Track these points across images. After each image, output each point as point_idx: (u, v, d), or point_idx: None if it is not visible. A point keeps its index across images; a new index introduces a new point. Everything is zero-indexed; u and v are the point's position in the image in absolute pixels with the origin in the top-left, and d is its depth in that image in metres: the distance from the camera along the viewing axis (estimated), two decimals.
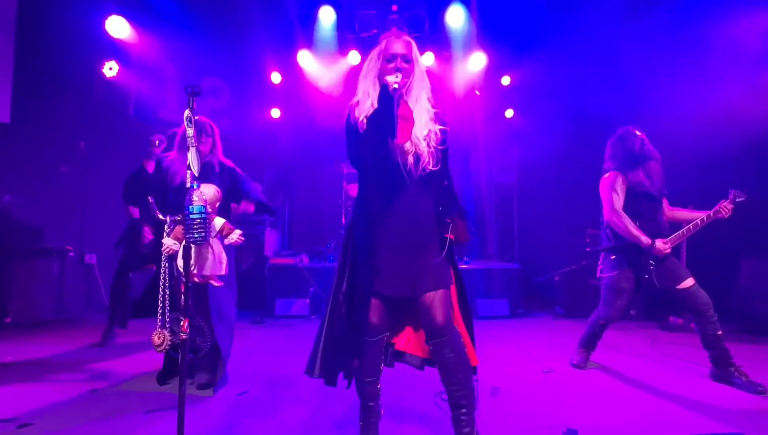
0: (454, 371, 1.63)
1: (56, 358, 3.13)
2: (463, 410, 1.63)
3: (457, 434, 1.64)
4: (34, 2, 4.58)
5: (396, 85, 1.58)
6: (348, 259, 1.72)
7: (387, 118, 1.56)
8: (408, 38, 1.77)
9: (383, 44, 1.76)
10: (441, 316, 1.62)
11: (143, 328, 3.48)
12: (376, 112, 1.61)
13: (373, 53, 1.78)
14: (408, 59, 1.73)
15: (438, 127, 1.72)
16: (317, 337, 1.74)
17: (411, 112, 1.64)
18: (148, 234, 3.23)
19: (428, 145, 1.67)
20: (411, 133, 1.62)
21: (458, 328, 1.71)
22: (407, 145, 1.65)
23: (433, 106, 1.75)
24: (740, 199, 2.59)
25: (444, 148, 1.72)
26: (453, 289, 1.73)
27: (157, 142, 3.36)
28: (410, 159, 1.66)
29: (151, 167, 3.28)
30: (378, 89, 1.66)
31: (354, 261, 1.71)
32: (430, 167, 1.67)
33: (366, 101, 1.70)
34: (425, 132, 1.68)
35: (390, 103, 1.56)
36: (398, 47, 1.72)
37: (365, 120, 1.65)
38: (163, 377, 2.54)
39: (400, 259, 1.66)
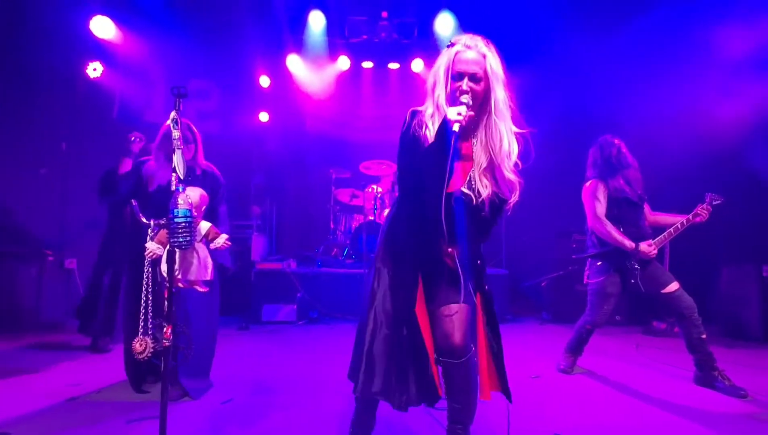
0: (461, 393, 1.52)
1: (33, 365, 3.02)
2: (459, 426, 1.57)
3: None
4: (15, 0, 4.48)
5: (456, 127, 1.33)
6: (385, 280, 1.57)
7: (440, 162, 1.34)
8: (483, 48, 1.47)
9: (452, 55, 1.48)
10: (459, 334, 1.47)
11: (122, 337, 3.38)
12: (432, 146, 1.40)
13: (441, 62, 1.50)
14: (478, 78, 1.45)
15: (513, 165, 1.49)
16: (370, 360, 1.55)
17: (472, 151, 1.45)
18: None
19: (495, 191, 1.47)
20: (466, 176, 1.45)
21: (480, 352, 1.58)
22: (465, 189, 1.47)
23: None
24: (717, 202, 2.66)
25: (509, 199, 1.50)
26: (479, 308, 1.59)
27: (135, 138, 3.21)
28: (472, 199, 1.47)
29: (125, 167, 3.08)
30: (443, 114, 1.41)
31: (391, 281, 1.56)
32: (514, 201, 1.49)
33: (431, 122, 1.47)
34: (505, 174, 1.46)
35: (446, 145, 1.34)
36: (467, 63, 1.44)
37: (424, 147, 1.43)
38: (138, 384, 2.47)
39: (429, 278, 1.54)
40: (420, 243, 1.54)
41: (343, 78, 6.19)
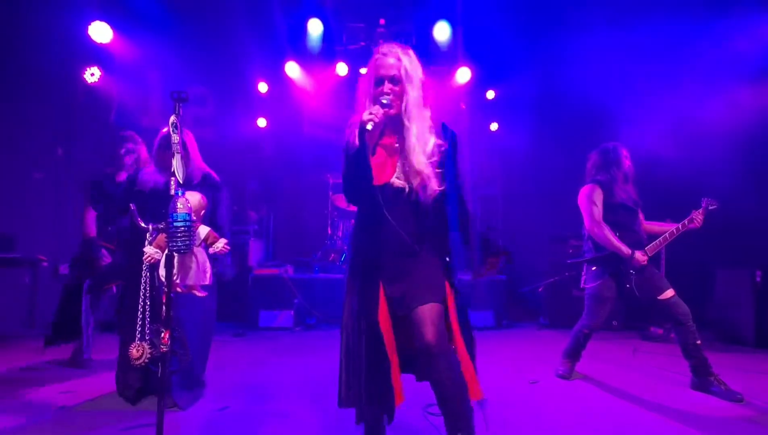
0: (447, 392, 1.52)
1: (25, 373, 2.99)
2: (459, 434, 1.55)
3: None
4: (13, 4, 4.48)
5: (370, 126, 1.48)
6: (352, 289, 1.64)
7: (361, 162, 1.50)
8: (398, 52, 1.62)
9: (372, 62, 1.64)
10: (432, 332, 1.50)
11: (115, 344, 3.35)
12: (355, 151, 1.52)
13: (367, 70, 1.67)
14: (397, 80, 1.59)
15: (439, 142, 1.61)
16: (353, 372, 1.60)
17: (395, 142, 1.57)
18: (106, 257, 3.05)
19: (431, 169, 1.57)
20: (395, 168, 1.56)
21: (460, 352, 1.57)
22: (396, 180, 1.57)
23: (433, 120, 1.65)
24: (713, 207, 2.68)
25: (442, 171, 1.59)
26: (452, 309, 1.60)
27: (125, 150, 3.11)
28: (405, 188, 1.57)
29: (120, 178, 2.97)
30: None
31: (361, 288, 1.62)
32: (434, 190, 1.57)
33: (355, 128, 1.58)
34: (428, 154, 1.58)
35: (363, 147, 1.50)
36: (385, 68, 1.60)
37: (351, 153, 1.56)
38: (135, 396, 2.42)
39: (395, 281, 1.58)
40: (374, 245, 1.60)
41: (340, 84, 6.22)
